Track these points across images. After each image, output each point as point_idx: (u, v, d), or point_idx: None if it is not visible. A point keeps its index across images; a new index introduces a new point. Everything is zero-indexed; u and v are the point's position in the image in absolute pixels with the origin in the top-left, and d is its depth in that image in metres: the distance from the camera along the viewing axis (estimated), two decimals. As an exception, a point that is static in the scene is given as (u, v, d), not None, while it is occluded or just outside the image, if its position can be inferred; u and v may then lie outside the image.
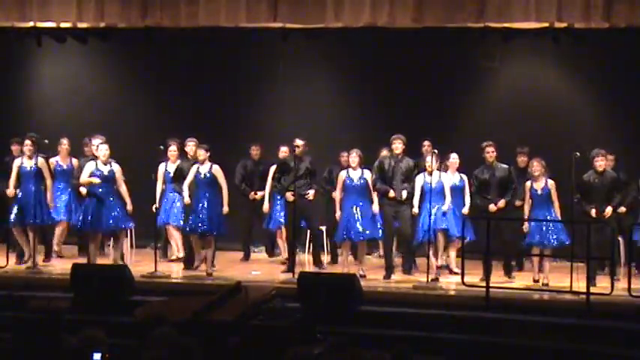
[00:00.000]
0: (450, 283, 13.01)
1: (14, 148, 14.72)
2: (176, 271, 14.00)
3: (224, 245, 14.89)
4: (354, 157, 13.65)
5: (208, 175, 13.67)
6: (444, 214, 13.60)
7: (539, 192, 13.12)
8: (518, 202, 13.66)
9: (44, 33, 15.40)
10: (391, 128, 15.73)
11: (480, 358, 10.81)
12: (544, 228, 12.95)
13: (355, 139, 15.10)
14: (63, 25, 15.14)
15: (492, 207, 13.35)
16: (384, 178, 13.50)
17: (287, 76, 16.75)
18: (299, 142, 14.00)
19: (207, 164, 13.73)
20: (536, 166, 13.12)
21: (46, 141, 14.19)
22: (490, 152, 13.50)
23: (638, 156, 14.65)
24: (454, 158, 13.99)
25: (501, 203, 13.38)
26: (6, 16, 14.54)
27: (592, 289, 11.66)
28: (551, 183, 13.14)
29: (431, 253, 13.10)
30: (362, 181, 13.56)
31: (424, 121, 15.78)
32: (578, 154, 12.74)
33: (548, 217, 13.00)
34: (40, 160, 13.99)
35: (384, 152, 14.08)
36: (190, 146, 14.43)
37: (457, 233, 13.63)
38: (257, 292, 11.35)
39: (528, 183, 13.23)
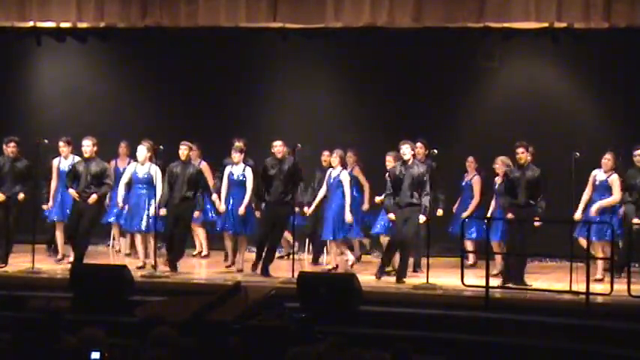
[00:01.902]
0: (449, 283, 12.98)
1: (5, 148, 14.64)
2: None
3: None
4: (334, 157, 13.90)
5: (242, 177, 13.89)
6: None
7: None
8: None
9: (44, 33, 15.40)
10: (391, 128, 15.83)
11: (480, 358, 10.81)
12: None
13: (354, 138, 15.11)
14: (63, 25, 15.14)
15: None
16: (394, 186, 13.23)
17: (286, 75, 16.76)
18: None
19: (241, 165, 13.93)
20: (500, 165, 13.47)
21: (46, 141, 14.21)
22: (519, 153, 13.12)
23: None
24: (471, 161, 14.21)
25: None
26: (6, 16, 14.55)
27: (591, 289, 11.65)
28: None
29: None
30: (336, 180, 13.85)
31: (424, 120, 15.79)
32: (578, 153, 12.75)
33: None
34: (78, 160, 14.19)
35: (389, 158, 13.76)
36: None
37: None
38: (257, 292, 11.35)
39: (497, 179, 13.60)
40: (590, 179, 13.31)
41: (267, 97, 16.81)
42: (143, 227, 13.90)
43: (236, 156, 13.89)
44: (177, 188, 13.73)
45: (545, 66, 16.07)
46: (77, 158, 14.29)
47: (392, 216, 13.17)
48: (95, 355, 7.26)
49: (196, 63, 16.66)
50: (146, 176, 13.88)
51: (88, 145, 13.73)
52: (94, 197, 13.60)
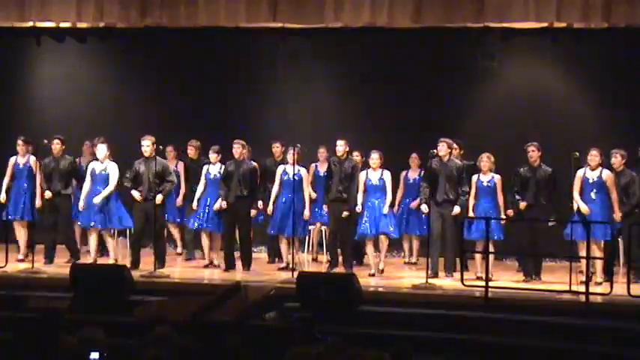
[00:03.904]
0: (449, 283, 12.98)
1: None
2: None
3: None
4: (290, 154, 13.87)
5: (219, 175, 14.07)
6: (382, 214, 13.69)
7: (485, 183, 13.44)
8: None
9: (44, 33, 15.40)
10: (390, 128, 15.81)
11: (480, 358, 10.81)
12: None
13: (355, 139, 15.09)
14: (62, 25, 15.14)
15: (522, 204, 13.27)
16: (431, 182, 13.40)
17: (286, 75, 16.75)
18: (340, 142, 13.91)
19: (218, 165, 14.14)
20: (486, 161, 13.42)
21: (45, 141, 14.23)
22: (530, 152, 13.31)
23: (637, 156, 14.61)
24: (414, 157, 14.17)
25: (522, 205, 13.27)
26: (5, 16, 14.55)
27: (591, 289, 11.66)
28: (497, 177, 13.44)
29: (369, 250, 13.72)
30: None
31: (423, 120, 15.79)
32: (577, 153, 12.77)
33: (490, 210, 13.31)
34: (32, 159, 14.26)
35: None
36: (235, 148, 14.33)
37: (389, 232, 13.72)
38: (256, 292, 11.35)
39: (475, 176, 13.47)
40: (578, 179, 13.06)
41: (267, 97, 16.79)
42: (99, 224, 13.86)
43: (213, 156, 14.12)
44: (233, 187, 13.88)
45: (545, 66, 16.06)
46: (32, 157, 14.30)
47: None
48: (94, 355, 7.26)
49: (196, 63, 16.65)
50: (103, 174, 13.84)
51: (147, 145, 13.72)
52: (160, 197, 13.68)
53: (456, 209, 13.41)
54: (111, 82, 17.33)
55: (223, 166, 14.10)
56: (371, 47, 15.52)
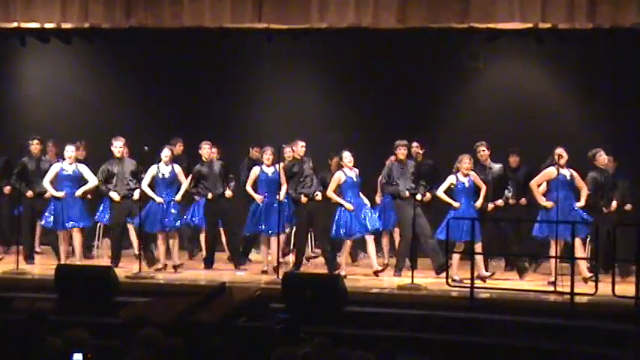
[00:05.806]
0: (434, 283, 12.99)
1: None
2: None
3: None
4: (268, 155, 13.95)
5: (171, 175, 14.00)
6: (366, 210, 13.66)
7: (466, 185, 13.26)
8: (512, 201, 13.96)
9: (28, 34, 15.36)
10: (376, 128, 15.84)
11: (465, 358, 10.83)
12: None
13: (340, 139, 15.11)
14: (47, 25, 15.09)
15: (490, 205, 13.45)
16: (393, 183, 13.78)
17: (272, 76, 16.75)
18: (301, 143, 14.13)
19: (170, 165, 14.06)
20: (467, 162, 13.25)
21: (29, 142, 14.19)
22: (481, 152, 13.54)
23: (622, 155, 14.66)
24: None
25: (499, 202, 13.53)
26: (-10, 17, 14.53)
27: (576, 290, 11.67)
28: (473, 175, 13.32)
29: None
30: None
31: (409, 121, 15.81)
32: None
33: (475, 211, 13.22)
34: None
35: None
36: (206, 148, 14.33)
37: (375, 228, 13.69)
38: (242, 293, 11.34)
39: (452, 177, 13.30)
40: (546, 177, 12.99)
41: (253, 98, 16.79)
42: (70, 225, 13.86)
43: (167, 154, 14.04)
44: (210, 187, 14.08)
45: (530, 66, 16.11)
46: None
47: None
48: (77, 356, 7.23)
49: (181, 64, 16.63)
50: (73, 175, 13.88)
51: (120, 147, 13.99)
52: (137, 193, 13.80)
53: (418, 196, 13.57)
54: (95, 83, 17.29)
55: (175, 165, 14.06)
56: (356, 48, 15.53)
